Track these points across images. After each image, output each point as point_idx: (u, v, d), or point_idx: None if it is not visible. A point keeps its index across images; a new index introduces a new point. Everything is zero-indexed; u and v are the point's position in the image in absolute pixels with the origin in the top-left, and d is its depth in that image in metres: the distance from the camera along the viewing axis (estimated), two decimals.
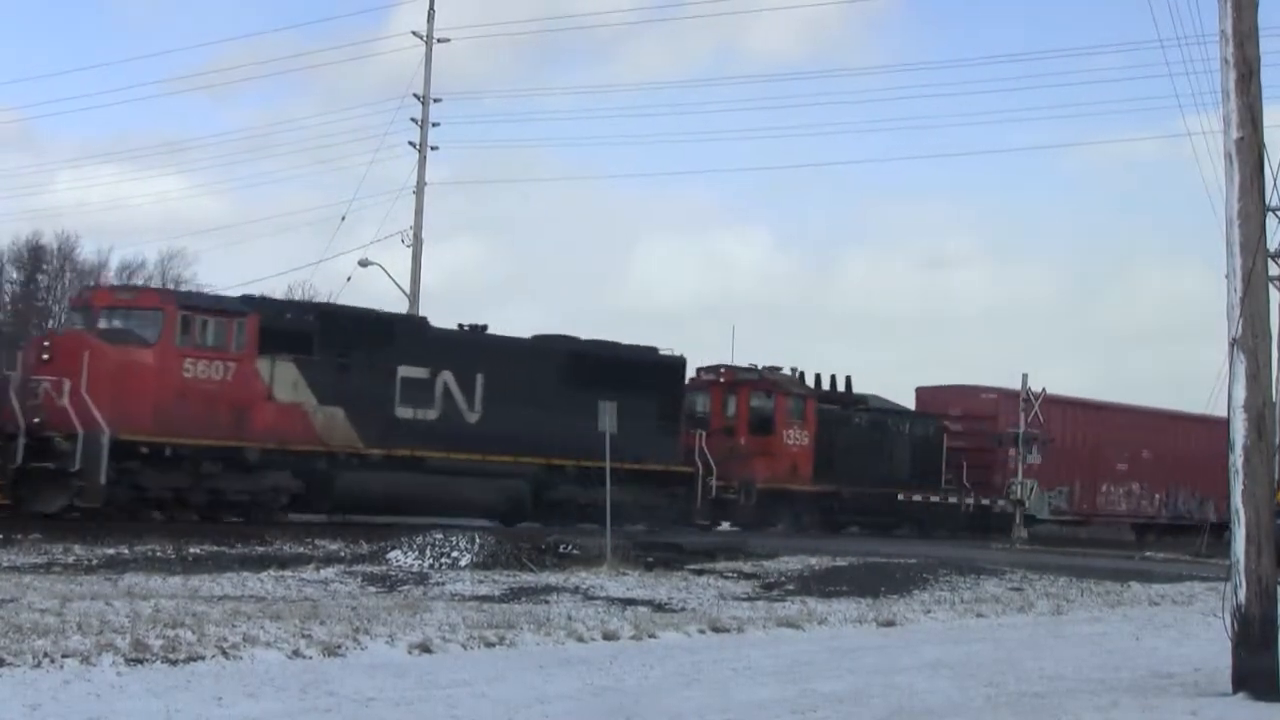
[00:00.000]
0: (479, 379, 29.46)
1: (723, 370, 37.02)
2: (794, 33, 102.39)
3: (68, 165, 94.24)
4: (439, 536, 21.19)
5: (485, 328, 31.37)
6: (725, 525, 35.53)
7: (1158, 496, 46.86)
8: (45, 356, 24.61)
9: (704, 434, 34.25)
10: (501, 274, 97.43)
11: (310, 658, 11.07)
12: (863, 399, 40.00)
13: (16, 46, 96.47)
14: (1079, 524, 45.69)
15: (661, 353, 33.56)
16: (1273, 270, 15.30)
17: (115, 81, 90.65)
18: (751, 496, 35.19)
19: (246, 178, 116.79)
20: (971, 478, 41.51)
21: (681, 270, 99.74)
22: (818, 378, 39.41)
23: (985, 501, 41.82)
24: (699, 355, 43.70)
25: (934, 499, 40.39)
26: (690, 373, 35.77)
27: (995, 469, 41.98)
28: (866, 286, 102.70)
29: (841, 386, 40.17)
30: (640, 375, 31.58)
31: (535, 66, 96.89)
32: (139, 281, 60.02)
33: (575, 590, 17.93)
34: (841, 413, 38.79)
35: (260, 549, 21.51)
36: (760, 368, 37.71)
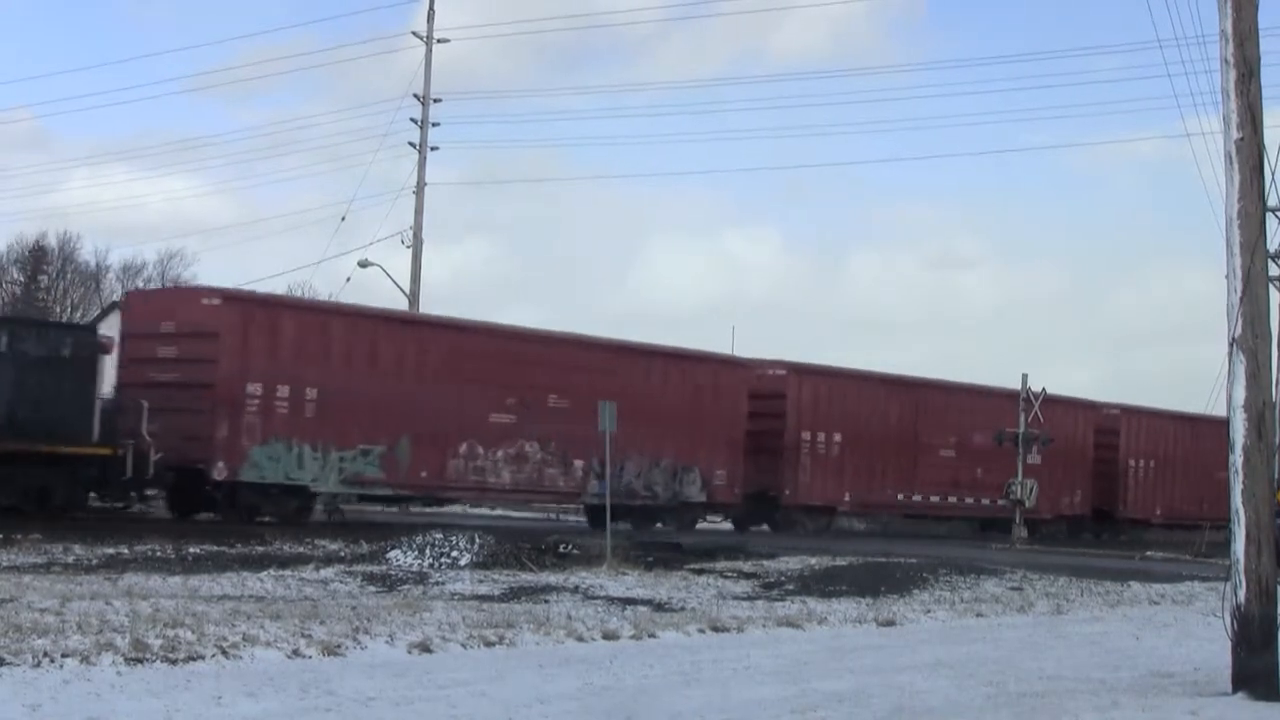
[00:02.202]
0: None
1: None
2: (803, 35, 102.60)
3: (80, 164, 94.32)
4: (439, 536, 21.28)
5: None
6: None
7: (579, 464, 32.65)
8: None
9: None
10: (511, 273, 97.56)
11: (310, 657, 11.08)
12: None
13: (32, 47, 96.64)
14: (414, 499, 33.08)
15: None
16: (1273, 270, 15.31)
17: (128, 81, 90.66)
18: None
19: (257, 177, 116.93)
20: (167, 426, 25.92)
21: (690, 270, 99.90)
22: None
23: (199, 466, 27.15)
24: None
25: (63, 454, 24.50)
26: None
27: (203, 416, 27.13)
28: (874, 287, 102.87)
29: None
30: None
31: (556, 68, 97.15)
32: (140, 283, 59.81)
33: (575, 590, 17.95)
34: None
35: (260, 549, 21.54)
36: None
